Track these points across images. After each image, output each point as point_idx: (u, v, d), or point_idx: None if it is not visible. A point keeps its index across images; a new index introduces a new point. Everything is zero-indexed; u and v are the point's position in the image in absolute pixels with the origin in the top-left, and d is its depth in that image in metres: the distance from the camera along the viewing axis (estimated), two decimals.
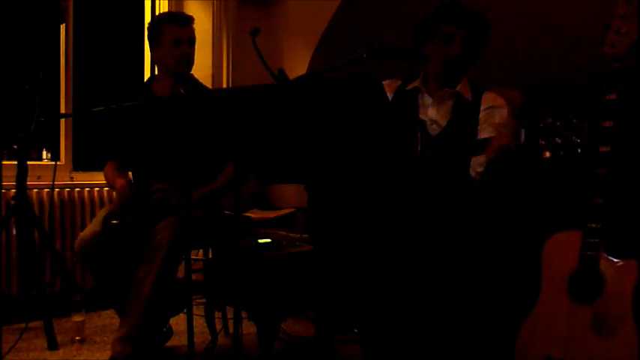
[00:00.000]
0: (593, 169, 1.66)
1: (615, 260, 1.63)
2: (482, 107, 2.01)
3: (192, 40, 2.48)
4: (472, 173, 1.92)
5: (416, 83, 2.11)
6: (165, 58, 2.47)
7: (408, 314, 1.85)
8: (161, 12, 3.58)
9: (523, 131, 1.51)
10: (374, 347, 1.95)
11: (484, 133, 1.95)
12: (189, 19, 2.50)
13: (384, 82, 2.13)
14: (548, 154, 1.42)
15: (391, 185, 1.84)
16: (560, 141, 1.39)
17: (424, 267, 1.80)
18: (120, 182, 2.36)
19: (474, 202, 1.84)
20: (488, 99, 2.02)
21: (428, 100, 2.08)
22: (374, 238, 1.85)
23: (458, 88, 2.04)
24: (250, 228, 3.05)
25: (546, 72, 2.60)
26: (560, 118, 1.40)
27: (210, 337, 2.62)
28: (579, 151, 1.41)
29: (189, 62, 2.49)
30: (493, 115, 1.99)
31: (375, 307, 1.87)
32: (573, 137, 1.38)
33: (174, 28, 2.43)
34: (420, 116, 2.07)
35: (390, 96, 2.12)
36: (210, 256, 2.71)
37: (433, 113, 2.05)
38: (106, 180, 2.56)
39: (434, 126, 2.03)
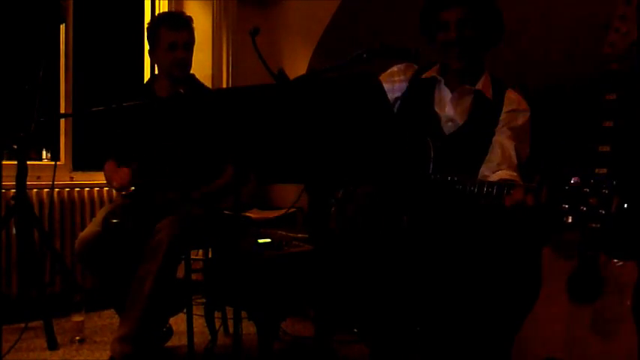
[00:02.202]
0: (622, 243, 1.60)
1: (615, 260, 1.63)
2: (505, 109, 1.92)
3: (187, 45, 2.45)
4: (480, 177, 1.87)
5: (433, 72, 2.02)
6: (161, 62, 2.48)
7: (408, 314, 1.85)
8: (159, 13, 3.57)
9: (545, 189, 1.42)
10: (378, 347, 1.94)
11: (502, 135, 1.88)
12: (186, 22, 2.46)
13: (397, 67, 2.09)
14: (570, 219, 1.35)
15: (391, 185, 1.84)
16: (585, 209, 1.32)
17: (424, 267, 1.80)
18: (120, 172, 2.32)
19: (477, 207, 1.81)
20: (512, 101, 1.93)
21: (446, 93, 1.99)
22: (374, 238, 1.85)
23: (479, 85, 1.95)
24: (250, 228, 3.05)
25: (547, 72, 2.60)
26: (588, 181, 1.33)
27: (210, 337, 2.62)
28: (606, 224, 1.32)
29: (185, 66, 2.47)
30: (516, 118, 1.91)
31: (375, 307, 1.87)
32: (600, 210, 1.31)
33: (170, 33, 2.41)
34: (435, 109, 1.99)
35: (404, 83, 2.06)
36: (210, 256, 2.71)
37: (451, 111, 1.96)
38: (106, 176, 2.54)
39: (449, 123, 1.95)
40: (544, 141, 2.11)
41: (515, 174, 1.81)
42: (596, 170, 1.66)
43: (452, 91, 1.99)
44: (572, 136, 2.19)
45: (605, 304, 1.62)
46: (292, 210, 3.31)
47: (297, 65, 3.64)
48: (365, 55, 1.70)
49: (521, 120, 1.92)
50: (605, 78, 1.72)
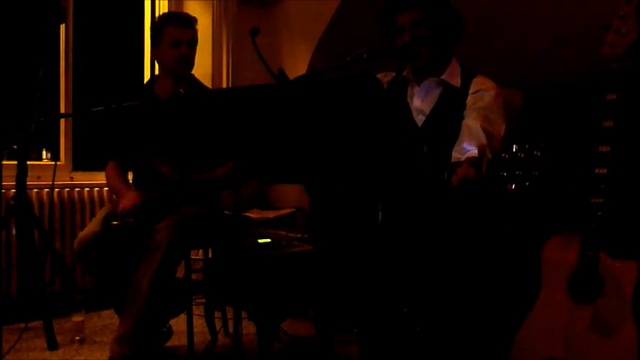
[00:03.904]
0: (553, 197, 1.65)
1: (615, 260, 1.63)
2: (470, 91, 1.95)
3: (192, 43, 2.47)
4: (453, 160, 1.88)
5: (404, 73, 2.09)
6: (164, 59, 2.48)
7: (407, 314, 1.85)
8: (164, 12, 3.58)
9: (486, 161, 1.47)
10: (372, 347, 1.95)
11: (468, 118, 1.90)
12: (191, 21, 2.49)
13: (377, 76, 2.12)
14: (513, 186, 1.40)
15: (390, 184, 1.84)
16: (520, 173, 1.36)
17: (424, 267, 1.80)
18: (130, 195, 2.34)
19: (470, 201, 1.81)
20: (477, 83, 1.96)
21: (415, 87, 2.06)
22: (374, 239, 1.85)
23: (444, 75, 2.00)
24: (250, 228, 3.05)
25: (547, 72, 2.60)
26: (524, 149, 1.38)
27: (210, 337, 2.62)
28: (538, 183, 1.36)
29: (189, 63, 2.48)
30: (481, 98, 1.92)
31: (374, 306, 1.87)
32: (533, 171, 1.35)
33: (175, 30, 2.43)
34: (408, 103, 2.05)
35: None
36: (210, 256, 2.71)
37: (418, 103, 2.02)
38: (108, 180, 2.54)
39: (420, 116, 2.01)
40: (544, 141, 2.11)
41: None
42: (597, 171, 1.66)
43: (419, 85, 2.04)
44: (573, 136, 2.19)
45: (605, 303, 1.62)
46: (292, 210, 3.32)
47: (297, 65, 3.64)
48: (365, 55, 1.70)
49: (486, 99, 1.91)
50: (605, 78, 1.72)
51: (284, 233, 2.79)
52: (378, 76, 2.13)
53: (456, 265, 1.80)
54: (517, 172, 1.36)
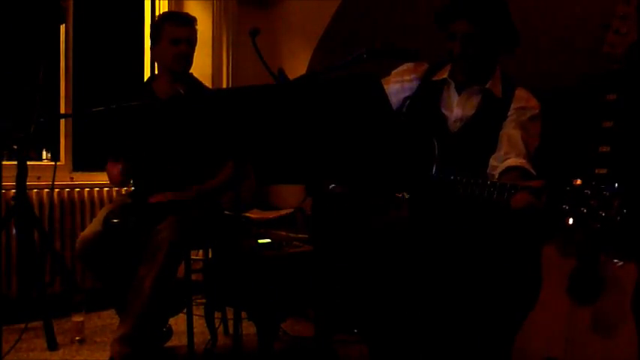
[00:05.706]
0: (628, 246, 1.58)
1: (615, 261, 1.63)
2: (513, 105, 1.92)
3: (191, 41, 2.48)
4: (489, 172, 1.87)
5: (444, 74, 2.02)
6: (163, 56, 2.48)
7: (408, 314, 1.85)
8: (164, 11, 3.58)
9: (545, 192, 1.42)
10: (379, 347, 1.94)
11: (508, 127, 1.89)
12: (190, 20, 2.50)
13: (407, 65, 2.09)
14: (570, 221, 1.34)
15: (391, 185, 1.84)
16: (585, 211, 1.32)
17: (425, 267, 1.80)
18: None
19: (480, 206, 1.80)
20: (521, 98, 1.93)
21: (454, 95, 2.00)
22: (375, 239, 1.85)
23: (488, 84, 1.95)
24: (250, 228, 3.05)
25: (547, 73, 2.60)
26: (589, 184, 1.32)
27: (210, 337, 2.62)
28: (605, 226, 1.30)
29: (187, 61, 2.49)
30: (524, 114, 1.91)
31: (376, 307, 1.87)
32: (601, 212, 1.30)
33: (174, 28, 2.44)
34: (442, 110, 1.99)
35: (414, 82, 2.06)
36: (210, 256, 2.71)
37: (459, 112, 1.97)
38: (110, 176, 2.52)
39: (457, 123, 1.97)
40: (544, 142, 2.11)
41: (523, 161, 1.81)
42: (597, 171, 1.66)
43: (460, 93, 1.99)
44: (573, 136, 2.19)
45: (605, 304, 1.62)
46: (292, 210, 3.32)
47: (297, 65, 3.64)
48: (365, 55, 1.70)
49: (529, 115, 1.91)
50: (605, 78, 1.72)
51: (284, 233, 2.79)
52: (406, 66, 2.09)
53: (460, 267, 1.79)
54: (581, 209, 1.33)
